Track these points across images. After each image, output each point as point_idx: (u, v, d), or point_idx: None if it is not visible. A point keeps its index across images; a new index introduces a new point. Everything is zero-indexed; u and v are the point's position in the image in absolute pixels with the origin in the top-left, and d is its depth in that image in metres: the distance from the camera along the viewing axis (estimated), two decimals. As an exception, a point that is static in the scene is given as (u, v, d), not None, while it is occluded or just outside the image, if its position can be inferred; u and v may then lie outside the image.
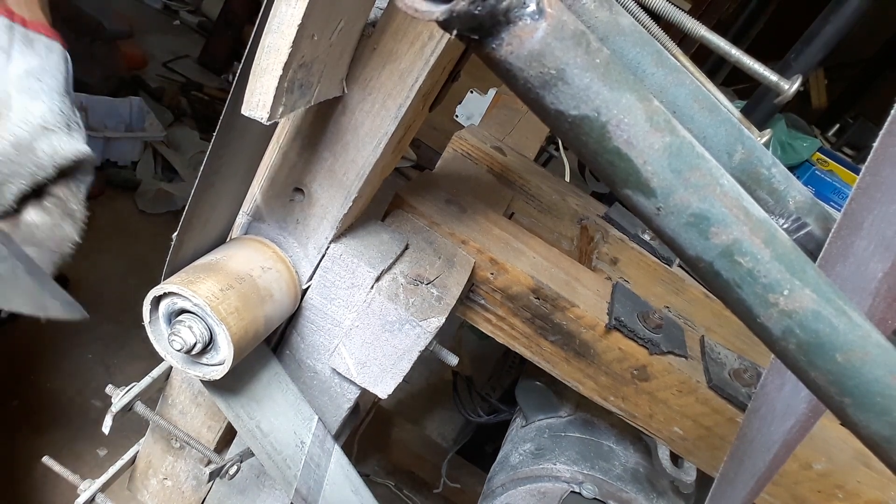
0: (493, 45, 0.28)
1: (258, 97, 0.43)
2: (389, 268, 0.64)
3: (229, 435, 0.76)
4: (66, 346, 1.68)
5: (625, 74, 0.29)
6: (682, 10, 0.58)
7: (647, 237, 1.07)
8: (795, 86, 0.56)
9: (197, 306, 0.51)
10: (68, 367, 1.64)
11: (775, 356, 0.34)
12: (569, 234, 1.07)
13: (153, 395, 0.71)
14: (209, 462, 0.71)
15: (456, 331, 1.94)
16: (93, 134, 2.09)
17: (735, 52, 0.57)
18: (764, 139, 0.53)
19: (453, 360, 0.68)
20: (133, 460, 0.79)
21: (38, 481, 1.36)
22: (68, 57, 0.61)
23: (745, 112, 1.85)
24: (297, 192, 0.61)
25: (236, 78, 0.45)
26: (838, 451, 0.74)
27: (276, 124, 0.53)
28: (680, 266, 1.07)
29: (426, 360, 0.65)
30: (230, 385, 0.61)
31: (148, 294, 0.53)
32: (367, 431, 1.61)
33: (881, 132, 0.39)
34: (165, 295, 0.53)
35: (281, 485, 0.64)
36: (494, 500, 0.90)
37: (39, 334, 1.67)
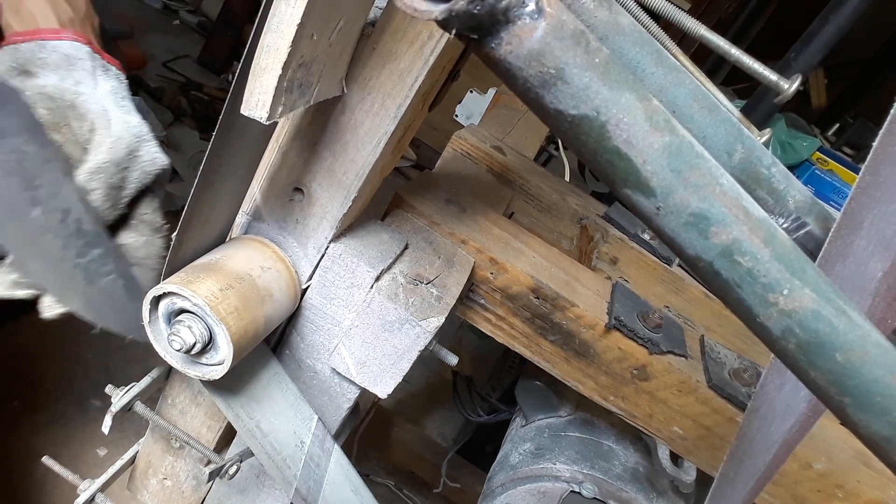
0: (493, 45, 0.28)
1: (257, 97, 0.43)
2: (389, 267, 0.64)
3: (229, 435, 0.76)
4: (66, 346, 1.68)
5: (624, 74, 0.29)
6: (682, 10, 0.58)
7: (646, 237, 1.07)
8: (795, 85, 0.56)
9: (196, 306, 0.51)
10: (68, 367, 1.64)
11: (775, 356, 0.34)
12: (569, 233, 1.07)
13: (153, 395, 0.71)
14: (209, 462, 0.71)
15: (456, 331, 1.94)
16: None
17: (735, 52, 0.57)
18: (764, 139, 0.53)
19: (453, 359, 0.68)
20: (133, 460, 0.79)
21: (38, 481, 1.36)
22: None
23: (745, 111, 1.85)
24: (296, 192, 0.61)
25: (236, 78, 0.45)
26: (838, 451, 0.74)
27: (275, 124, 0.53)
28: (680, 265, 1.07)
29: (426, 359, 0.65)
30: (230, 385, 0.61)
31: (147, 294, 0.53)
32: (367, 431, 1.61)
33: (881, 132, 0.39)
34: (165, 295, 0.53)
35: (281, 485, 0.64)
36: (494, 499, 0.90)
37: (39, 334, 1.67)
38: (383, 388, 0.64)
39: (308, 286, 0.64)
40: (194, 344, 0.52)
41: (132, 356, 1.70)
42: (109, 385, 0.66)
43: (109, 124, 0.58)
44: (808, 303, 0.31)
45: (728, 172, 0.32)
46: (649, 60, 0.48)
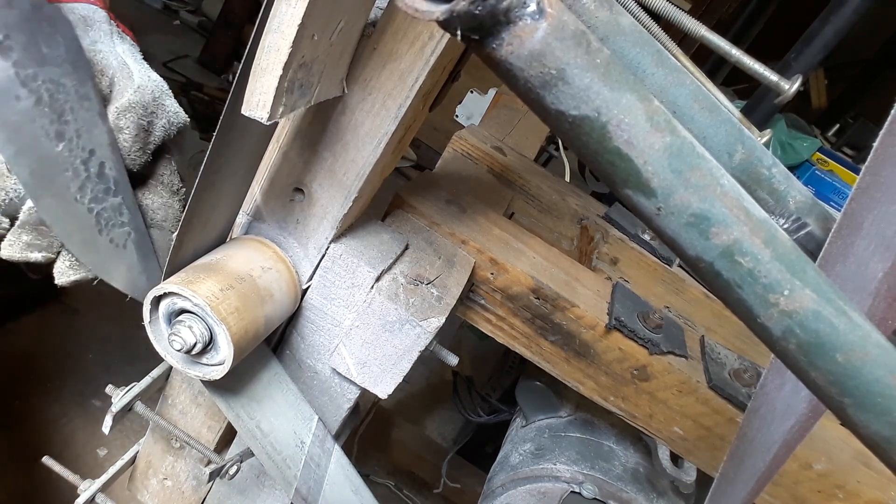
0: (494, 45, 0.28)
1: (258, 97, 0.43)
2: (389, 268, 0.64)
3: (229, 435, 0.76)
4: (66, 346, 1.68)
5: (625, 74, 0.29)
6: (682, 10, 0.58)
7: (647, 237, 1.07)
8: (795, 86, 0.56)
9: (197, 306, 0.51)
10: (68, 367, 1.64)
11: (775, 356, 0.34)
12: (569, 234, 1.07)
13: (153, 395, 0.71)
14: (209, 462, 0.71)
15: (456, 331, 1.94)
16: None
17: (735, 52, 0.57)
18: (764, 139, 0.53)
19: (453, 360, 0.68)
20: (133, 460, 0.79)
21: (38, 481, 1.36)
22: None
23: (745, 112, 1.85)
24: (297, 192, 0.61)
25: (236, 78, 0.45)
26: (838, 451, 0.74)
27: (276, 124, 0.53)
28: (680, 266, 1.07)
29: (426, 360, 0.65)
30: (230, 385, 0.61)
31: (148, 294, 0.53)
32: (367, 431, 1.61)
33: (881, 132, 0.39)
34: (165, 295, 0.53)
35: (281, 485, 0.64)
36: (494, 500, 0.90)
37: (39, 334, 1.67)
38: (384, 389, 0.64)
39: (308, 286, 0.64)
40: (195, 344, 0.52)
41: (132, 356, 1.70)
42: (109, 385, 0.66)
43: (131, 75, 0.58)
44: (808, 303, 0.31)
45: (728, 173, 0.32)
46: (650, 61, 0.48)
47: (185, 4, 3.99)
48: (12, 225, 0.55)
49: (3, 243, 0.55)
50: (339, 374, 0.66)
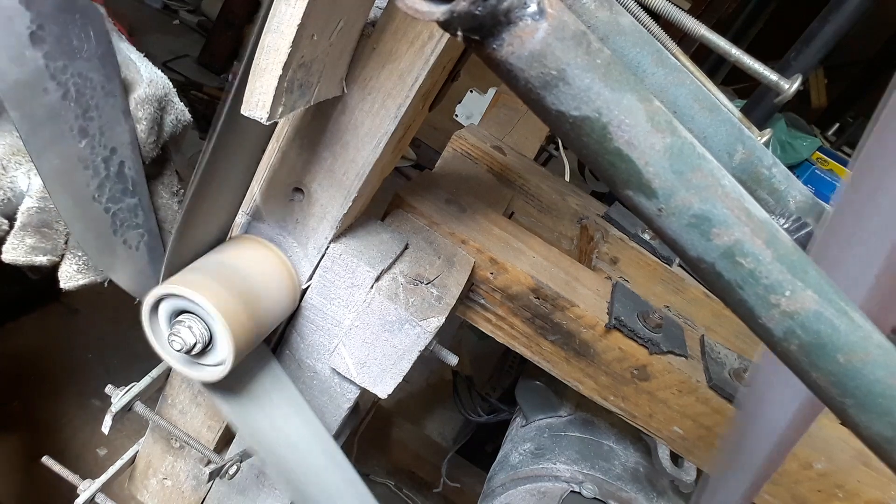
0: (494, 46, 0.27)
1: (258, 97, 0.43)
2: (389, 267, 0.64)
3: (229, 435, 0.76)
4: (66, 346, 1.68)
5: (626, 75, 0.29)
6: (682, 10, 0.58)
7: (647, 237, 1.07)
8: (795, 85, 0.56)
9: (197, 306, 0.51)
10: (68, 367, 1.64)
11: (776, 357, 0.34)
12: (569, 233, 1.07)
13: (153, 395, 0.71)
14: (209, 462, 0.71)
15: (456, 331, 1.94)
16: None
17: (735, 52, 0.56)
18: (764, 139, 0.53)
19: (453, 359, 0.68)
20: (133, 460, 0.79)
21: (38, 481, 1.36)
22: None
23: (745, 111, 1.85)
24: (296, 192, 0.61)
25: (237, 78, 0.44)
26: (838, 451, 0.74)
27: (275, 124, 0.53)
28: (680, 265, 1.07)
29: (426, 360, 0.64)
30: (229, 385, 0.61)
31: (148, 295, 0.52)
32: (367, 431, 1.61)
33: (873, 126, 0.38)
34: (165, 295, 0.52)
35: (280, 485, 0.64)
36: (494, 499, 0.90)
37: (40, 335, 1.67)
38: (383, 389, 0.64)
39: (308, 286, 0.64)
40: (195, 344, 0.52)
41: (132, 356, 1.70)
42: (109, 385, 0.66)
43: (139, 70, 0.57)
44: (810, 304, 0.31)
45: (729, 173, 0.32)
46: (650, 61, 0.48)
47: (184, 4, 3.99)
48: (11, 226, 0.54)
49: (5, 246, 0.53)
50: (338, 373, 0.66)
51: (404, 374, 0.63)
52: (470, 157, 1.05)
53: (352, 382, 0.65)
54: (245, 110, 0.44)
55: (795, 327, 0.31)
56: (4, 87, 0.45)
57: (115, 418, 0.64)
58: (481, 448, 1.66)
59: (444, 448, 1.85)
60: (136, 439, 0.79)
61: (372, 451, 1.79)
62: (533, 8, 0.27)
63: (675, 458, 0.82)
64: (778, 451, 0.44)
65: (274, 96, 0.43)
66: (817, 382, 0.32)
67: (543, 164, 1.78)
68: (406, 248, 0.68)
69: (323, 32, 0.45)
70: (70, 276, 0.57)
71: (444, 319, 0.62)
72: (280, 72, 0.42)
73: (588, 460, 0.89)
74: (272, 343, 0.68)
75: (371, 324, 0.62)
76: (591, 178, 1.99)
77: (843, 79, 3.91)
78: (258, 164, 0.58)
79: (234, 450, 0.75)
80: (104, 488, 0.71)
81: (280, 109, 0.44)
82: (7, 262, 0.54)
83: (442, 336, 0.65)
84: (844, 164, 2.38)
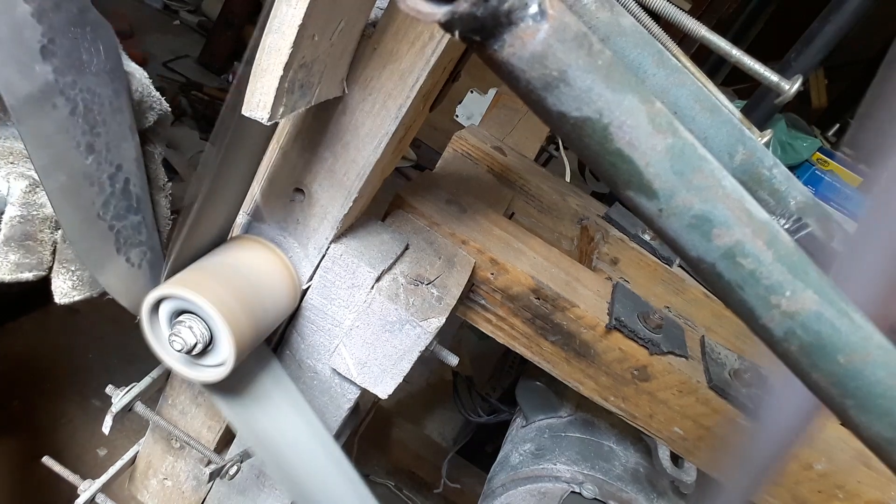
0: (495, 47, 0.27)
1: (259, 97, 0.43)
2: (390, 268, 0.64)
3: (229, 435, 0.76)
4: (65, 347, 1.68)
5: (627, 76, 0.29)
6: (682, 10, 0.58)
7: (647, 237, 1.07)
8: (796, 86, 0.56)
9: (197, 306, 0.51)
10: (68, 367, 1.64)
11: (777, 357, 0.34)
12: (569, 234, 1.07)
13: (153, 395, 0.71)
14: (209, 462, 0.71)
15: (456, 331, 1.94)
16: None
17: (735, 52, 0.57)
18: (764, 139, 0.53)
19: (453, 360, 0.68)
20: (133, 460, 0.79)
21: (38, 481, 1.36)
22: None
23: (746, 112, 1.85)
24: (297, 193, 0.61)
25: (236, 78, 0.44)
26: (838, 452, 0.74)
27: (276, 124, 0.53)
28: (680, 266, 1.07)
29: (426, 360, 0.64)
30: (230, 385, 0.61)
31: (148, 295, 0.52)
32: (367, 431, 1.61)
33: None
34: (165, 296, 0.52)
35: (281, 485, 0.64)
36: (494, 500, 0.90)
37: (39, 335, 1.66)
38: (384, 389, 0.64)
39: (308, 287, 0.64)
40: (195, 344, 0.52)
41: (132, 356, 1.70)
42: (109, 385, 0.66)
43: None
44: (810, 305, 0.31)
45: (730, 174, 0.32)
46: (650, 62, 0.48)
47: (185, 4, 3.99)
48: None
49: None
50: (339, 374, 0.66)
51: (405, 374, 0.63)
52: (470, 158, 1.05)
53: (352, 383, 0.65)
54: (246, 111, 0.44)
55: (796, 328, 0.31)
56: (14, 102, 0.44)
57: (116, 418, 0.64)
58: (481, 448, 1.66)
59: (444, 448, 1.85)
60: (136, 439, 0.79)
61: (372, 452, 1.79)
62: (534, 9, 0.27)
63: (676, 459, 0.82)
64: (784, 452, 0.44)
65: (275, 97, 0.43)
66: (818, 383, 0.32)
67: (544, 164, 1.78)
68: (406, 248, 0.68)
69: (324, 33, 0.45)
70: (65, 293, 0.55)
71: (444, 320, 0.62)
72: (281, 72, 0.42)
73: (588, 461, 0.89)
74: (272, 343, 0.68)
75: (371, 324, 0.62)
76: (591, 178, 1.99)
77: (844, 79, 3.91)
78: (259, 164, 0.58)
79: (234, 450, 0.75)
80: (104, 488, 0.71)
81: (281, 110, 0.44)
82: None
83: (442, 336, 0.65)
84: (844, 164, 2.38)
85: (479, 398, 1.36)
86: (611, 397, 0.76)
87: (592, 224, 1.08)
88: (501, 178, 1.06)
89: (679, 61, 0.50)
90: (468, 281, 0.70)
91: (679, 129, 0.30)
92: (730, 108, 0.51)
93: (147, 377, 0.69)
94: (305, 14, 0.41)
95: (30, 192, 0.51)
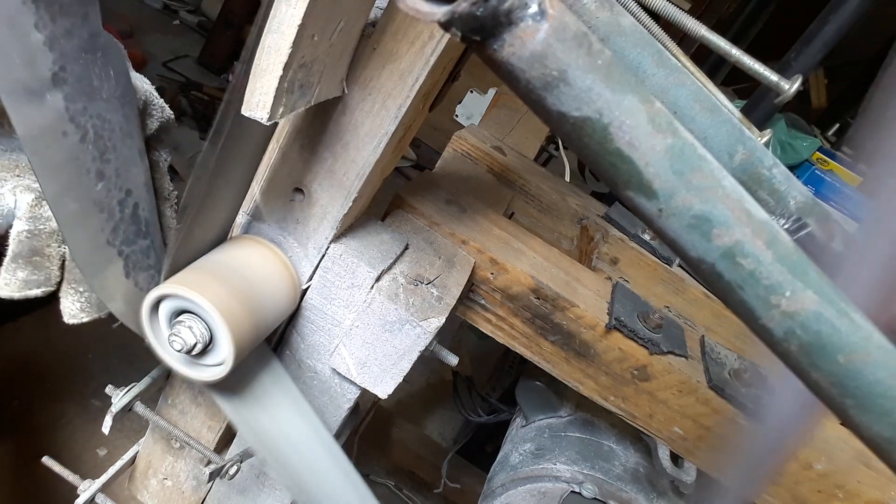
0: (495, 47, 0.27)
1: (258, 97, 0.43)
2: (389, 268, 0.64)
3: (229, 435, 0.76)
4: (65, 347, 1.68)
5: (627, 76, 0.29)
6: (682, 10, 0.58)
7: (647, 237, 1.07)
8: (796, 86, 0.56)
9: (197, 306, 0.51)
10: (68, 367, 1.64)
11: (777, 357, 0.34)
12: (569, 233, 1.07)
13: (153, 395, 0.71)
14: (209, 462, 0.71)
15: (456, 331, 1.94)
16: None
17: (735, 52, 0.56)
18: (764, 139, 0.53)
19: (453, 360, 0.68)
20: (133, 460, 0.79)
21: (38, 481, 1.36)
22: None
23: (745, 112, 1.85)
24: (296, 193, 0.61)
25: (236, 78, 0.44)
26: (838, 451, 0.74)
27: (275, 124, 0.53)
28: (680, 266, 1.07)
29: (426, 360, 0.64)
30: (231, 385, 0.61)
31: (148, 295, 0.52)
32: (367, 431, 1.61)
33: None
34: (165, 296, 0.52)
35: (281, 485, 0.64)
36: (494, 500, 0.90)
37: (39, 335, 1.66)
38: (384, 389, 0.64)
39: (308, 286, 0.64)
40: (195, 344, 0.52)
41: (132, 356, 1.69)
42: (109, 385, 0.66)
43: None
44: (810, 305, 0.31)
45: (729, 174, 0.32)
46: (650, 61, 0.48)
47: (185, 4, 3.99)
48: (2, 252, 0.52)
49: None
50: (339, 374, 0.66)
51: (404, 374, 0.63)
52: (470, 158, 1.05)
53: (352, 382, 0.65)
54: (245, 111, 0.44)
55: (796, 328, 0.31)
56: (25, 132, 0.44)
57: (116, 418, 0.64)
58: (481, 448, 1.66)
59: (444, 448, 1.85)
60: (136, 439, 0.79)
61: (372, 452, 1.79)
62: (534, 9, 0.27)
63: (676, 459, 0.82)
64: (784, 452, 0.44)
65: (274, 97, 0.43)
66: (818, 383, 0.32)
67: (543, 164, 1.78)
68: (406, 248, 0.68)
69: (323, 33, 0.45)
70: (73, 314, 0.56)
71: (444, 320, 0.62)
72: (280, 72, 0.42)
73: (588, 461, 0.89)
74: (272, 343, 0.68)
75: (371, 324, 0.62)
76: (591, 178, 1.99)
77: (843, 79, 3.91)
78: (259, 164, 0.58)
79: (234, 450, 0.75)
80: (104, 488, 0.71)
81: (280, 110, 0.44)
82: (2, 297, 0.52)
83: (442, 336, 0.65)
84: (844, 164, 2.38)
85: (478, 398, 1.36)
86: (611, 397, 0.76)
87: (592, 224, 1.08)
88: (501, 177, 1.06)
89: (679, 61, 0.50)
90: (468, 281, 0.70)
91: (679, 129, 0.30)
92: (729, 108, 0.51)
93: (147, 377, 0.69)
94: (305, 14, 0.41)
95: (36, 205, 0.51)
